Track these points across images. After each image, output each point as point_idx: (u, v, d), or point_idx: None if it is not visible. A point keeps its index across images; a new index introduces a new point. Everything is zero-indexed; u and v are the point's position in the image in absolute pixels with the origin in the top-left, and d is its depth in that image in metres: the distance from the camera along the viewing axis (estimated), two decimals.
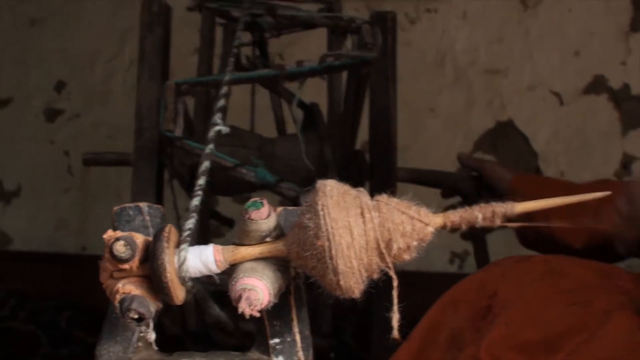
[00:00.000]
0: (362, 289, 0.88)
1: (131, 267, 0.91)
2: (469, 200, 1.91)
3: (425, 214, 0.89)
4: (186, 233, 0.92)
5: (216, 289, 1.63)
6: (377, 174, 1.92)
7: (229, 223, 2.34)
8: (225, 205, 2.80)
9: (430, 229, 0.88)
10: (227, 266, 0.92)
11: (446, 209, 1.91)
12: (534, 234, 1.67)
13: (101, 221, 3.17)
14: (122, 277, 0.92)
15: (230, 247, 0.92)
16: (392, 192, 0.91)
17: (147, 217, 1.04)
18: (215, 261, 0.91)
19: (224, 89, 1.34)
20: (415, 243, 0.87)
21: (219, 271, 0.92)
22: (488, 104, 3.15)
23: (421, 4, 3.24)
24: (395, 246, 0.86)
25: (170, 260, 0.88)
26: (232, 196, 2.74)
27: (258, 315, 0.87)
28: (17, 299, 3.09)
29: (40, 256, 3.38)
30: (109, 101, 3.48)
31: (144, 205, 1.05)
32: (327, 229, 0.84)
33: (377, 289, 1.95)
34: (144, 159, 1.93)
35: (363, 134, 1.99)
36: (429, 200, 0.95)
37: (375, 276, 0.88)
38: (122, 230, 0.97)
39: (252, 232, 0.91)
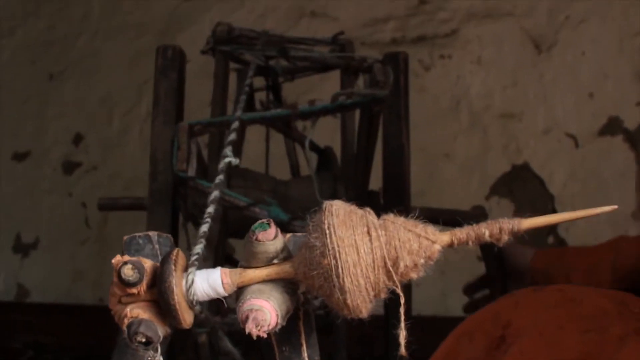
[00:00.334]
0: (370, 308, 0.87)
1: (139, 291, 0.91)
2: (493, 281, 1.91)
3: (432, 232, 0.88)
4: (194, 257, 0.92)
5: (229, 329, 1.63)
6: (391, 212, 1.92)
7: None
8: (240, 251, 2.80)
9: (438, 247, 0.88)
10: (235, 289, 0.91)
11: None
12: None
13: None
14: (131, 302, 0.92)
15: (238, 270, 0.91)
16: None
17: (157, 246, 1.04)
18: (223, 284, 0.90)
19: (235, 124, 1.35)
20: (422, 261, 0.87)
21: (226, 294, 0.91)
22: (503, 148, 3.15)
23: (435, 50, 3.26)
24: (402, 264, 0.85)
25: (177, 282, 0.88)
26: None
27: (265, 336, 0.87)
28: (36, 350, 3.09)
29: (58, 308, 3.38)
30: (126, 153, 3.51)
31: (153, 234, 1.04)
32: (333, 247, 0.84)
33: (393, 335, 1.94)
34: (159, 202, 1.94)
35: (378, 176, 2.00)
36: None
37: (383, 295, 0.87)
38: None
39: (259, 253, 0.90)
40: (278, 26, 3.12)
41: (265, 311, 0.87)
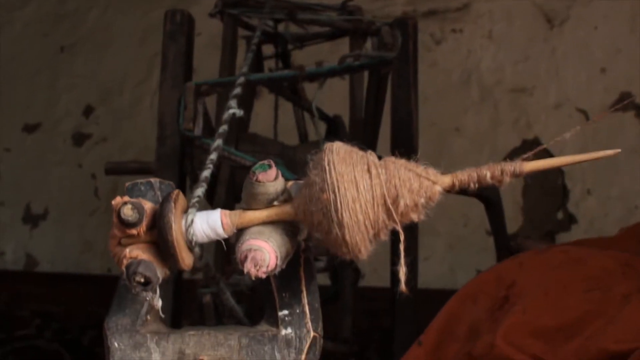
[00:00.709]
0: (369, 248, 0.86)
1: (139, 232, 0.91)
2: None
3: (433, 172, 0.88)
4: (194, 199, 0.91)
5: (234, 289, 1.63)
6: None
7: None
8: None
9: (438, 188, 0.87)
10: (235, 230, 0.91)
11: None
12: None
13: None
14: (130, 244, 0.91)
15: (237, 211, 0.91)
16: None
17: (159, 192, 1.03)
18: (222, 224, 0.90)
19: (241, 79, 1.35)
20: (422, 201, 0.86)
21: (226, 235, 0.91)
22: (514, 123, 3.14)
23: (446, 24, 3.24)
24: (402, 202, 0.85)
25: (176, 221, 0.88)
26: None
27: (263, 276, 0.86)
28: (43, 318, 3.10)
29: (66, 277, 3.40)
30: (136, 125, 3.51)
31: (155, 180, 1.04)
32: (332, 182, 0.83)
33: (400, 307, 1.93)
34: (166, 166, 1.94)
35: (386, 145, 1.99)
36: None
37: (382, 236, 0.86)
38: None
39: (259, 195, 0.90)
40: None
41: (265, 251, 0.86)
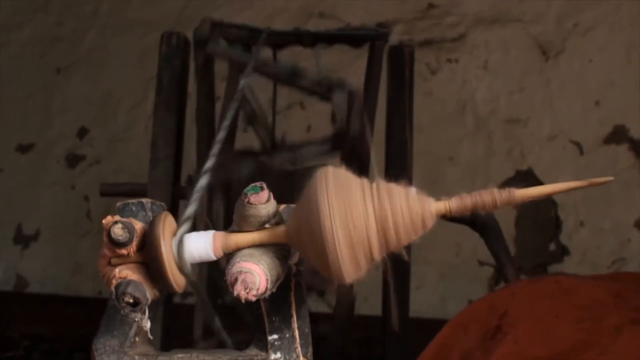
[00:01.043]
0: (361, 274, 0.86)
1: (129, 252, 0.90)
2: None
3: (426, 199, 0.87)
4: (185, 216, 0.91)
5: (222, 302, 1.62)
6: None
7: None
8: None
9: (431, 214, 0.87)
10: (226, 252, 0.90)
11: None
12: None
13: None
14: (120, 264, 0.91)
15: (229, 233, 0.91)
16: None
17: (150, 213, 1.03)
18: (213, 246, 0.89)
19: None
20: (415, 228, 0.86)
21: (216, 258, 0.90)
22: (508, 153, 3.14)
23: (442, 54, 3.25)
24: (395, 229, 0.84)
25: (167, 242, 0.87)
26: None
27: (253, 299, 0.86)
28: (32, 339, 3.08)
29: (56, 299, 3.38)
30: (130, 148, 3.51)
31: (146, 201, 1.04)
32: (325, 207, 0.83)
33: (391, 336, 1.92)
34: (159, 188, 1.93)
35: (380, 169, 1.98)
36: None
37: (375, 261, 0.86)
38: None
39: (250, 217, 0.89)
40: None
41: (255, 274, 0.86)
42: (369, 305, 2.50)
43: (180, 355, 0.97)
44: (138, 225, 0.91)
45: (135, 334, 0.98)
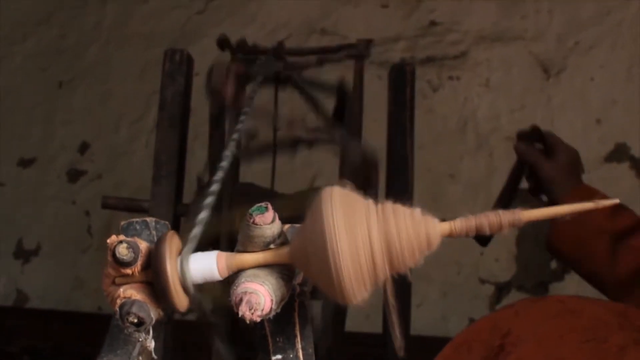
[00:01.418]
0: (365, 295, 0.86)
1: (133, 272, 0.90)
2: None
3: (431, 220, 0.87)
4: (191, 236, 0.91)
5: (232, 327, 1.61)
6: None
7: None
8: None
9: (437, 235, 0.87)
10: (230, 273, 0.90)
11: None
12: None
13: None
14: (124, 283, 0.91)
15: (234, 254, 0.90)
16: None
17: (154, 232, 1.03)
18: (218, 267, 0.89)
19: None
20: (420, 249, 0.85)
21: (221, 278, 0.90)
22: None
23: (444, 72, 3.26)
24: (400, 251, 0.84)
25: (172, 262, 0.87)
26: None
27: (258, 320, 0.86)
28: (32, 355, 3.07)
29: (56, 314, 3.37)
30: (132, 163, 3.51)
31: (151, 219, 1.04)
32: (329, 228, 0.83)
33: (392, 354, 1.91)
34: (160, 205, 1.93)
35: (381, 189, 1.98)
36: None
37: (380, 282, 0.86)
38: None
39: (255, 237, 0.89)
40: (288, 43, 3.12)
41: (260, 295, 0.86)
42: (370, 322, 2.50)
43: None
44: (142, 245, 0.91)
45: (139, 354, 0.98)
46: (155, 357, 0.97)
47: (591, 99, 3.11)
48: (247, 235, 0.90)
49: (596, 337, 1.23)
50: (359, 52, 1.97)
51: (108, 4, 3.69)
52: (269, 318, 0.90)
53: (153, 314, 0.89)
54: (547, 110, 3.14)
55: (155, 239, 1.04)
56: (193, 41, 3.47)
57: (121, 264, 0.89)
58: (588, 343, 1.22)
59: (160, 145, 1.97)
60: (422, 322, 2.80)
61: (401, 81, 1.92)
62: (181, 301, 0.89)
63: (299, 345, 0.97)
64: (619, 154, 3.06)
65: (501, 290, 3.07)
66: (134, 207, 2.05)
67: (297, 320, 0.98)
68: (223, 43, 2.03)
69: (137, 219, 1.04)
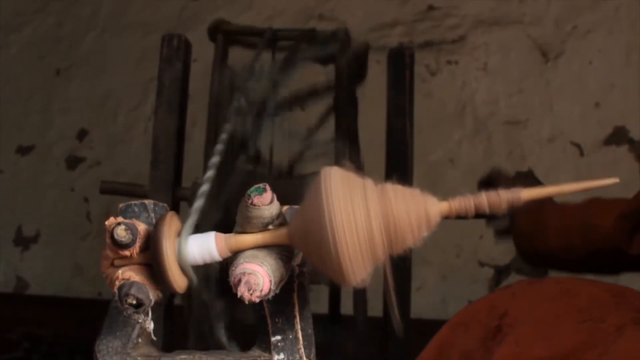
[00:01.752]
0: (365, 275, 0.86)
1: (132, 254, 0.90)
2: None
3: (430, 199, 0.87)
4: (190, 220, 0.91)
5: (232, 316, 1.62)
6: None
7: None
8: None
9: (436, 214, 0.87)
10: (229, 254, 0.90)
11: None
12: (533, 249, 1.69)
13: None
14: (123, 265, 0.91)
15: (232, 235, 0.91)
16: None
17: (152, 214, 1.03)
18: (217, 248, 0.89)
19: None
20: (420, 228, 0.86)
21: (220, 259, 0.90)
22: (508, 155, 3.14)
23: (442, 56, 3.26)
24: (399, 231, 0.84)
25: (170, 243, 0.87)
26: None
27: (257, 300, 0.86)
28: (32, 341, 3.08)
29: (55, 300, 3.38)
30: (130, 150, 3.51)
31: (149, 202, 1.04)
32: (328, 212, 0.83)
33: (392, 338, 1.91)
34: (159, 190, 1.93)
35: (380, 173, 1.98)
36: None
37: (378, 262, 0.86)
38: None
39: (254, 218, 0.89)
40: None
41: (258, 275, 0.86)
42: (370, 306, 2.51)
43: (183, 356, 0.97)
44: (141, 227, 0.91)
45: (138, 335, 0.98)
46: (154, 338, 0.97)
47: (590, 82, 3.11)
48: (245, 216, 0.90)
49: (593, 317, 1.23)
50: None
51: None
52: (268, 299, 0.90)
53: (152, 295, 0.90)
54: (546, 94, 3.14)
55: (154, 221, 1.04)
56: (190, 28, 3.45)
57: (119, 245, 0.89)
58: (585, 323, 1.22)
59: (158, 130, 1.96)
60: (422, 305, 2.80)
61: (400, 65, 1.91)
62: (180, 283, 0.89)
63: (298, 326, 0.97)
64: (617, 137, 3.06)
65: (500, 273, 3.07)
66: (132, 192, 2.04)
67: (296, 301, 0.98)
68: (215, 31, 2.03)
69: (136, 202, 1.05)
